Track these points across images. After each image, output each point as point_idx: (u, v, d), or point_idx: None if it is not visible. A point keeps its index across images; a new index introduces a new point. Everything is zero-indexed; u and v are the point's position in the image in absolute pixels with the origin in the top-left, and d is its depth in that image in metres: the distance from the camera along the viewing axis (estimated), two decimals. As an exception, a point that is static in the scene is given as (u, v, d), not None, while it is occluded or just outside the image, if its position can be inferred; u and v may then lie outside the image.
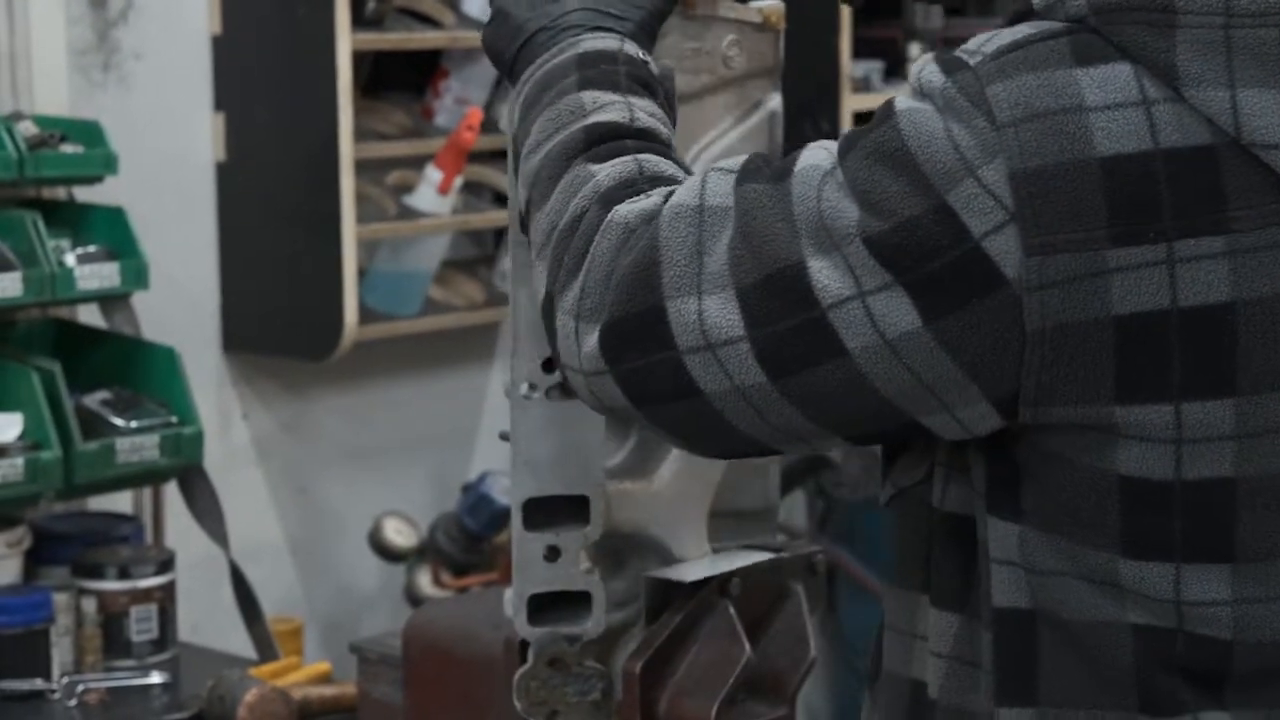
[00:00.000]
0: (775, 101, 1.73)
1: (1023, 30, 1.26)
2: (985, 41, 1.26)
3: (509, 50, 1.49)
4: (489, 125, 3.25)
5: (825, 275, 1.23)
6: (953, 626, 1.33)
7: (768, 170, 1.29)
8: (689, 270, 1.27)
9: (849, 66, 3.60)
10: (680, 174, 1.36)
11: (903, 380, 1.24)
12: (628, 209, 1.32)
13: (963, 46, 1.27)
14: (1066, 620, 1.28)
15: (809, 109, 3.58)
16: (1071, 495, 1.26)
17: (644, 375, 1.29)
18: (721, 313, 1.26)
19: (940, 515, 1.34)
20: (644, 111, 1.41)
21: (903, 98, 1.26)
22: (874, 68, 3.76)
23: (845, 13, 3.57)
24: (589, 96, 1.41)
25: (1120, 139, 1.21)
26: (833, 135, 1.50)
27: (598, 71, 1.44)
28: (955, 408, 1.25)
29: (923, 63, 1.28)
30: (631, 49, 1.46)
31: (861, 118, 3.61)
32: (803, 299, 1.24)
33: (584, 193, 1.35)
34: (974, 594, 1.32)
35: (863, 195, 1.23)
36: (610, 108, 1.40)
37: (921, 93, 1.25)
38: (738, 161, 1.31)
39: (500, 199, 3.41)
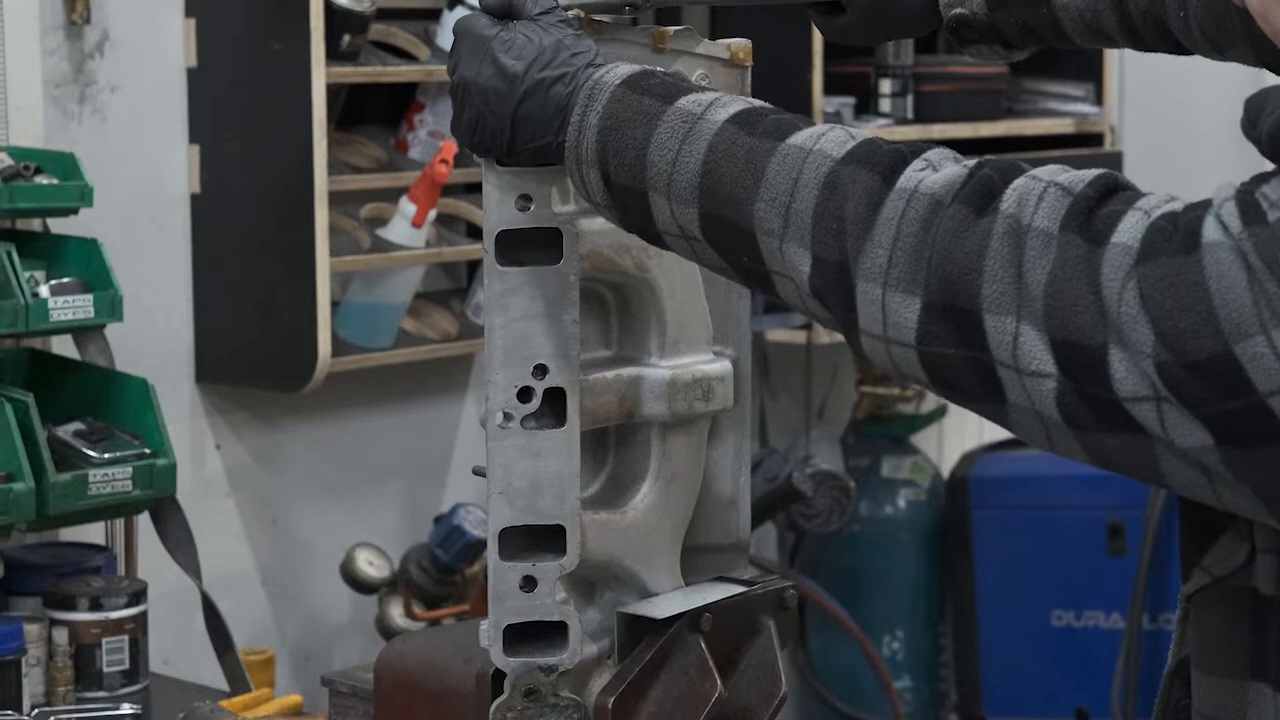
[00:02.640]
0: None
1: None
2: None
3: (522, 126, 1.50)
4: (463, 158, 3.27)
5: (1123, 369, 1.24)
6: None
7: (1092, 221, 1.28)
8: (1010, 290, 1.28)
9: (820, 102, 3.63)
10: (885, 141, 1.37)
11: (1196, 481, 1.26)
12: (930, 180, 1.32)
13: (1262, 189, 1.25)
14: None
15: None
16: None
17: (953, 365, 1.31)
18: (1035, 346, 1.27)
19: (1276, 600, 1.35)
20: (740, 96, 1.44)
21: (1210, 225, 1.24)
22: (845, 103, 3.78)
23: (817, 49, 3.60)
24: (686, 102, 1.44)
25: None
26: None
27: (661, 83, 1.46)
28: (1249, 516, 1.28)
29: (1222, 197, 1.26)
30: (642, 65, 1.49)
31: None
32: (1102, 379, 1.25)
33: (814, 161, 1.36)
34: None
35: (1156, 319, 1.23)
36: (719, 101, 1.43)
37: (1225, 229, 1.24)
38: (1078, 182, 1.30)
39: (474, 232, 3.42)
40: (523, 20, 1.51)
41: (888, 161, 1.35)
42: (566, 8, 1.56)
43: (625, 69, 1.48)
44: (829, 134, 1.38)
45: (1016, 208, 1.29)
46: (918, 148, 1.37)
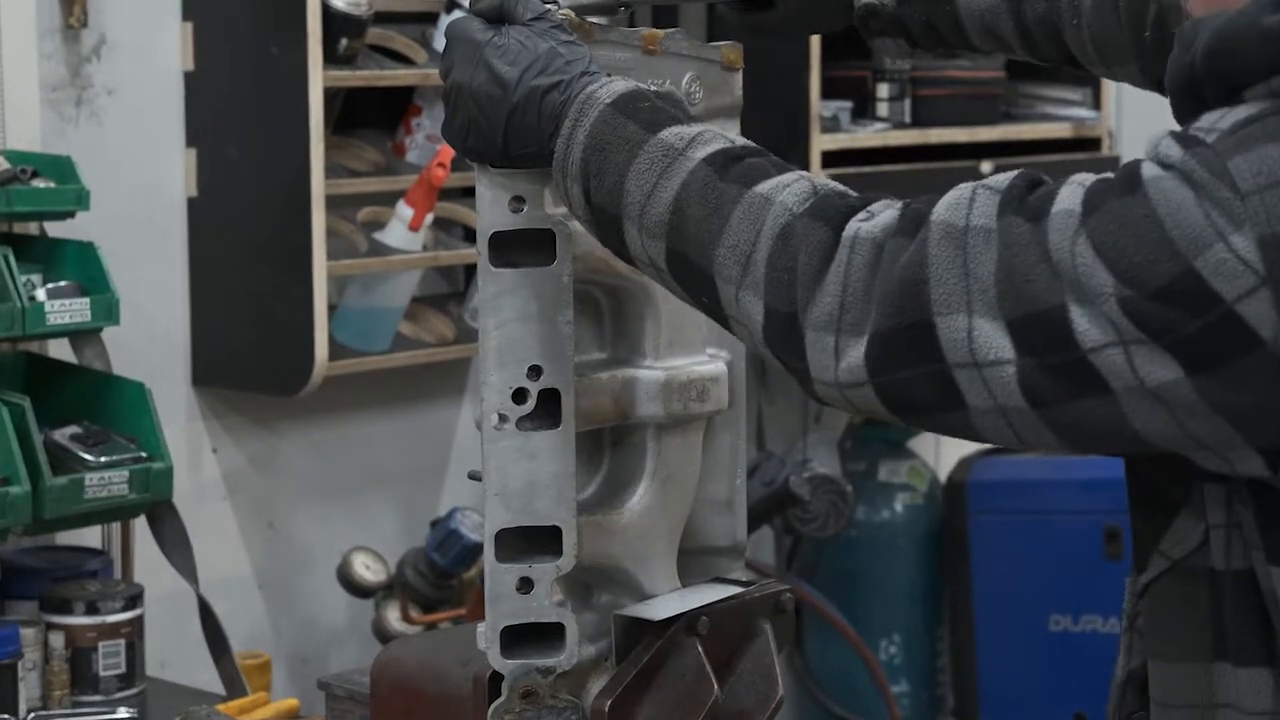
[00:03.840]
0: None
1: (1256, 106, 1.30)
2: (1218, 120, 1.30)
3: (513, 130, 1.50)
4: (460, 162, 3.27)
5: (1085, 322, 1.27)
6: (1268, 682, 1.36)
7: (1027, 203, 1.32)
8: (958, 289, 1.31)
9: (818, 106, 3.62)
10: (836, 185, 1.41)
11: (1164, 423, 1.28)
12: (868, 226, 1.36)
13: (1194, 126, 1.31)
14: None
15: (778, 148, 3.59)
16: None
17: (910, 387, 1.33)
18: (991, 335, 1.30)
19: (1230, 575, 1.37)
20: (721, 131, 1.46)
21: (1148, 165, 1.29)
22: (843, 107, 3.77)
23: (815, 53, 3.59)
24: (669, 135, 1.45)
25: None
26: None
27: (649, 107, 1.47)
28: (1220, 450, 1.30)
29: (1157, 138, 1.31)
30: (635, 83, 1.50)
31: (830, 157, 3.63)
32: (1064, 340, 1.28)
33: (774, 214, 1.38)
34: (1275, 646, 1.35)
35: (1112, 260, 1.26)
36: (700, 138, 1.44)
37: (1162, 165, 1.28)
38: (1003, 181, 1.35)
39: (470, 235, 3.42)
40: (516, 25, 1.51)
41: (839, 216, 1.38)
42: (557, 7, 1.56)
43: (619, 85, 1.49)
44: (794, 185, 1.41)
45: (948, 214, 1.33)
46: (867, 199, 1.40)
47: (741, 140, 1.47)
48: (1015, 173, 1.35)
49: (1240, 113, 1.30)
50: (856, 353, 1.34)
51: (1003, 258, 1.30)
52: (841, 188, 1.41)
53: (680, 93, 1.68)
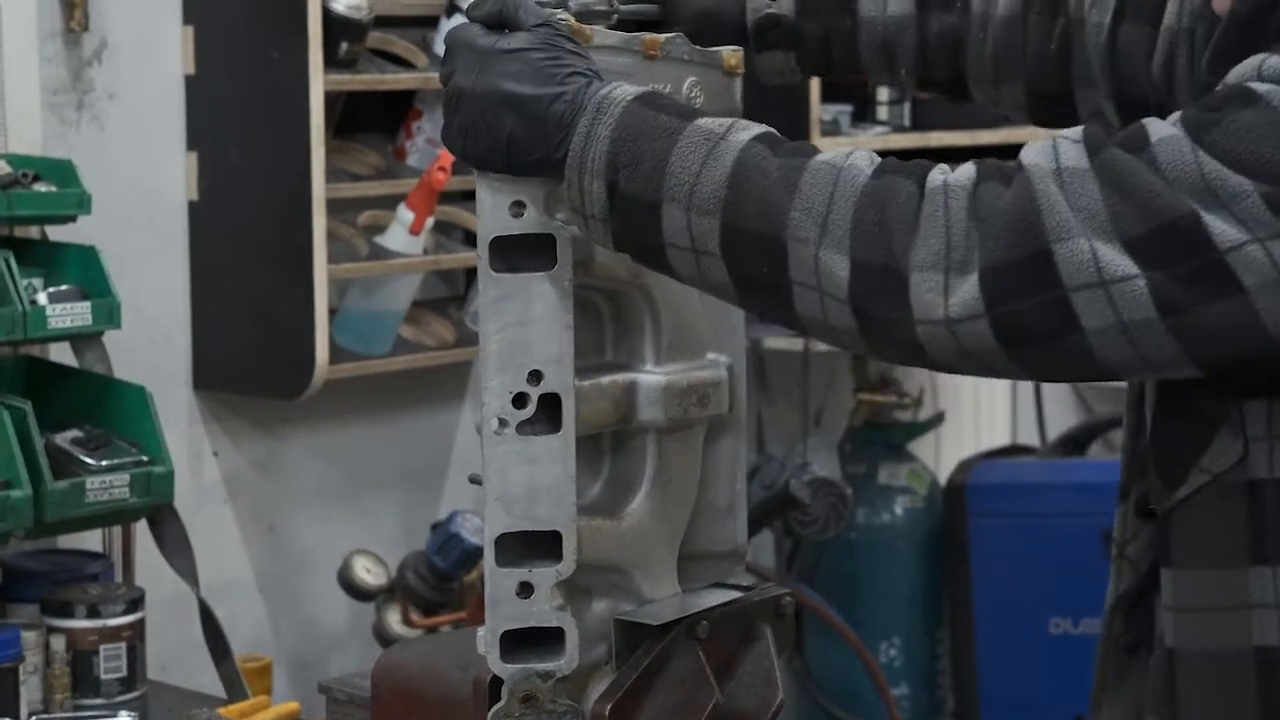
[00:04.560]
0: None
1: None
2: None
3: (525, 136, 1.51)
4: (460, 166, 3.27)
5: (1220, 224, 1.34)
6: None
7: (1118, 141, 1.39)
8: (1071, 219, 1.36)
9: (818, 110, 3.63)
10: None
11: None
12: (954, 177, 1.42)
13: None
14: None
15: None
16: None
17: (1025, 316, 1.38)
18: (1114, 256, 1.35)
19: (1274, 483, 1.44)
20: (755, 123, 1.50)
21: (1258, 84, 1.37)
22: (843, 111, 3.78)
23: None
24: (706, 123, 1.48)
25: None
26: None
27: (674, 103, 1.51)
28: None
29: (1256, 62, 1.39)
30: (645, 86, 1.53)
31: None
32: (1200, 244, 1.34)
33: (848, 175, 1.43)
34: None
35: (1246, 163, 1.34)
36: (737, 124, 1.48)
37: (1275, 80, 1.36)
38: (1078, 132, 1.41)
39: (471, 239, 3.42)
40: (519, 32, 1.51)
41: (917, 171, 1.43)
42: (558, 13, 1.56)
43: (632, 87, 1.51)
44: (856, 153, 1.46)
45: (1040, 159, 1.40)
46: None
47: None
48: (1086, 125, 1.42)
49: None
50: (969, 287, 1.38)
51: (1112, 185, 1.36)
52: (1040, 145, 1.46)
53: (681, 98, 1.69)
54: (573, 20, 1.58)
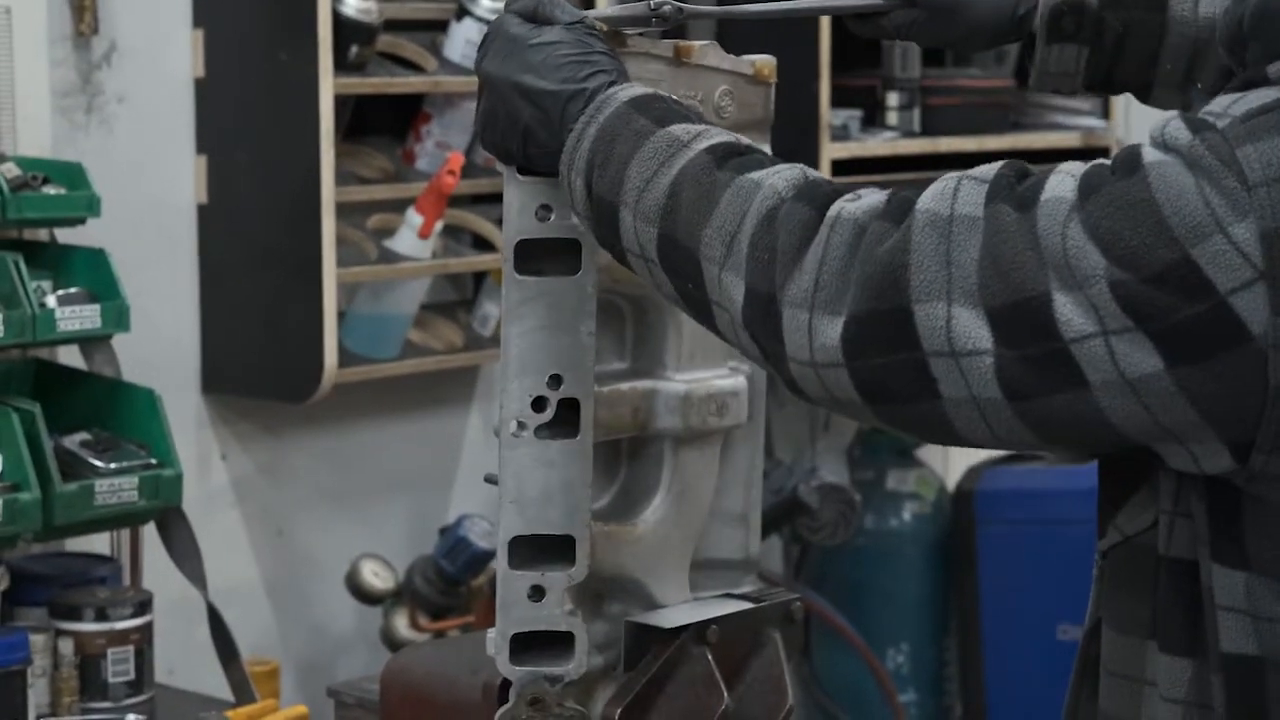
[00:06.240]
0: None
1: (1272, 94, 1.28)
2: (1231, 104, 1.28)
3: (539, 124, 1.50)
4: (470, 170, 3.27)
5: (1069, 310, 1.25)
6: (1185, 672, 1.35)
7: (1016, 192, 1.31)
8: (939, 277, 1.29)
9: (828, 115, 3.63)
10: (829, 181, 1.40)
11: (1139, 417, 1.27)
12: (851, 207, 1.35)
13: (1205, 109, 1.29)
14: None
15: (788, 156, 3.59)
16: None
17: (885, 373, 1.31)
18: (970, 324, 1.28)
19: (1167, 561, 1.36)
20: (730, 133, 1.45)
21: (1150, 149, 1.28)
22: (852, 116, 3.78)
23: (825, 61, 3.60)
24: (678, 129, 1.45)
25: None
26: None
27: (663, 107, 1.47)
28: (1189, 443, 1.28)
29: (1164, 120, 1.29)
30: (656, 90, 1.50)
31: (840, 166, 3.63)
32: (1047, 329, 1.26)
33: (762, 196, 1.37)
34: (1203, 639, 1.34)
35: (1107, 243, 1.25)
36: (706, 133, 1.44)
37: (1166, 148, 1.27)
38: (989, 171, 1.33)
39: (480, 243, 3.42)
40: (555, 26, 1.52)
41: (825, 198, 1.37)
42: (590, 17, 1.56)
43: (637, 89, 1.49)
44: (786, 172, 1.40)
45: (934, 203, 1.32)
46: (858, 187, 1.39)
47: (750, 141, 1.47)
48: (1002, 163, 1.34)
49: (1255, 100, 1.28)
50: (832, 332, 1.32)
51: (988, 245, 1.28)
52: (947, 183, 1.38)
53: (709, 107, 1.68)
54: (605, 25, 1.57)
